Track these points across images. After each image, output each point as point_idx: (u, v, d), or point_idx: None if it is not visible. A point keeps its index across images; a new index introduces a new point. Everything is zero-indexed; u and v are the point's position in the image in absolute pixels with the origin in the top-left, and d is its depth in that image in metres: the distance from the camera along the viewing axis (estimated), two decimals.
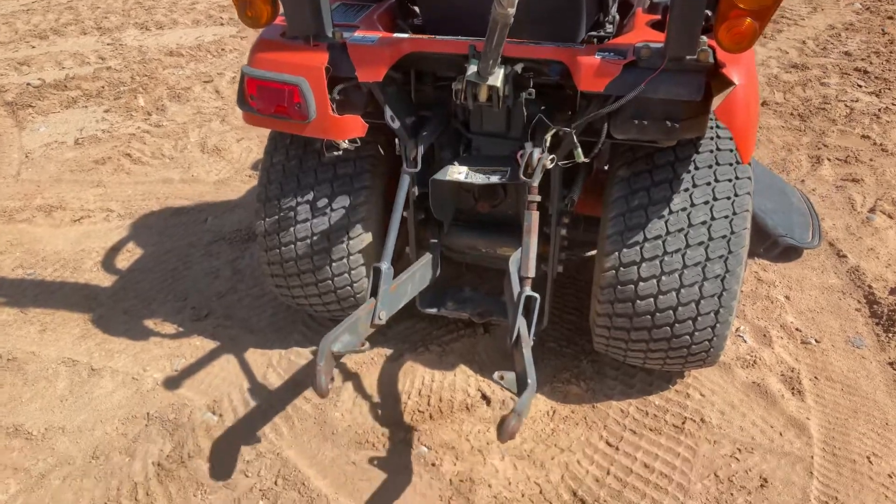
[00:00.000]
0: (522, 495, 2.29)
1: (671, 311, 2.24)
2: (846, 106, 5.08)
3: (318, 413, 2.60)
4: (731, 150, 2.22)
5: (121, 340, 3.00)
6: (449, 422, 2.54)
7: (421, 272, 2.50)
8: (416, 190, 2.49)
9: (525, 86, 2.22)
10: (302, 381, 2.75)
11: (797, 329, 2.99)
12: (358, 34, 2.24)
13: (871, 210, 3.81)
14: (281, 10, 2.15)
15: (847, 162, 4.32)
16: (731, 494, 2.28)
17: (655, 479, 2.32)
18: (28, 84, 5.83)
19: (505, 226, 2.64)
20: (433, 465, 2.38)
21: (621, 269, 2.24)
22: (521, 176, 2.15)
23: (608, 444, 2.46)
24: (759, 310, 3.10)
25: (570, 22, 2.21)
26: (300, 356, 2.87)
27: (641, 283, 2.22)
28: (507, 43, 1.96)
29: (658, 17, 2.24)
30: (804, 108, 5.09)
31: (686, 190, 2.19)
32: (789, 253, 3.41)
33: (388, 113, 2.29)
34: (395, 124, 2.31)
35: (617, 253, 2.24)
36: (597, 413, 2.58)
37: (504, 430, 1.76)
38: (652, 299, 2.23)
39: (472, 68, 2.05)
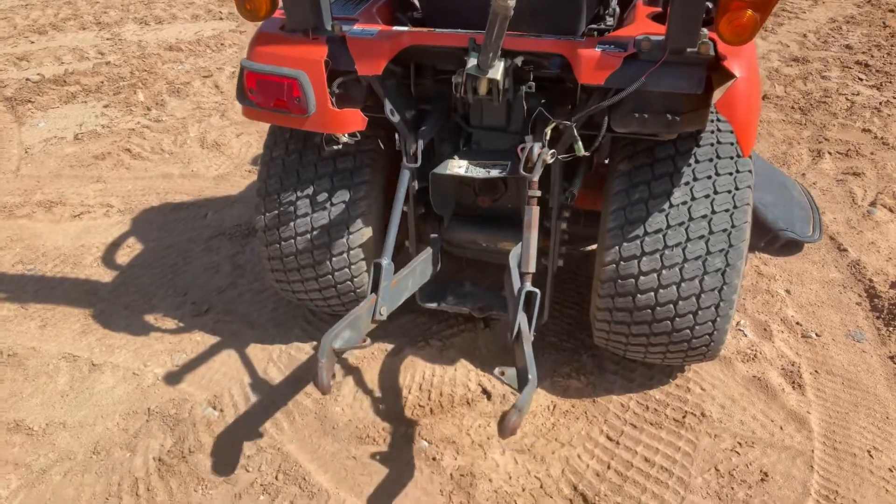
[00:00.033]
0: (523, 489, 2.29)
1: (672, 306, 2.23)
2: (847, 99, 5.06)
3: (318, 408, 2.60)
4: (732, 144, 2.21)
5: (121, 336, 3.00)
6: (449, 416, 2.54)
7: (421, 267, 2.50)
8: (416, 184, 2.48)
9: (525, 79, 2.22)
10: (302, 376, 2.75)
11: (798, 323, 2.99)
12: (357, 27, 2.23)
13: (872, 204, 3.80)
14: (280, 3, 2.15)
15: (848, 155, 4.31)
16: (732, 488, 2.28)
17: (656, 473, 2.32)
18: (27, 79, 5.82)
19: (505, 220, 2.63)
20: (434, 459, 2.39)
21: (622, 263, 2.23)
22: (522, 171, 2.14)
23: (609, 438, 2.46)
24: (759, 304, 3.09)
25: (570, 14, 2.20)
26: (301, 351, 2.87)
27: (642, 278, 2.22)
28: (507, 36, 1.95)
29: (658, 9, 2.23)
30: (805, 102, 5.08)
31: (687, 184, 2.19)
32: (790, 247, 3.40)
33: (388, 107, 2.28)
34: (395, 118, 2.30)
35: (617, 247, 2.23)
36: (597, 407, 2.58)
37: (505, 427, 1.76)
38: (652, 293, 2.23)
39: (472, 61, 2.04)
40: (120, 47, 6.60)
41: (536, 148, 2.14)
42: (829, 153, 4.34)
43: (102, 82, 5.77)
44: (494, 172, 2.33)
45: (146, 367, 2.82)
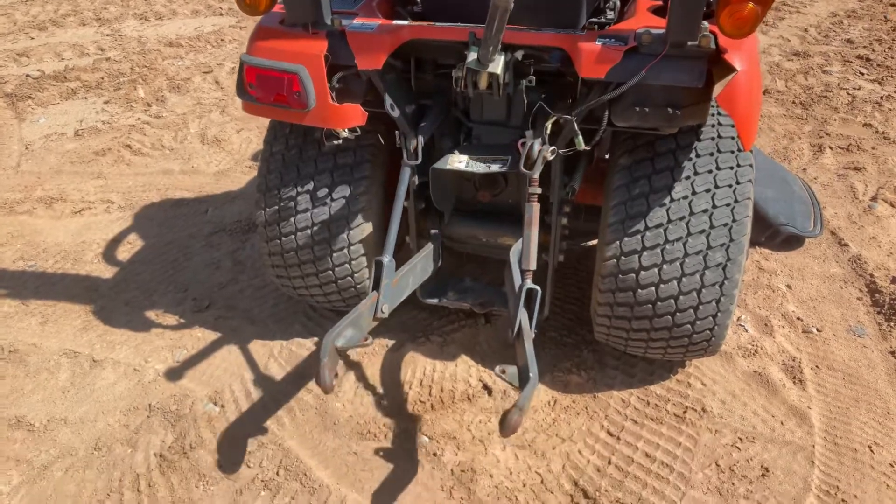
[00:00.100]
0: (524, 485, 2.29)
1: (672, 300, 2.23)
2: (848, 94, 5.05)
3: (319, 404, 2.60)
4: (733, 138, 2.20)
5: (122, 332, 3.00)
6: (450, 412, 2.54)
7: (422, 264, 2.49)
8: (416, 179, 2.48)
9: (525, 73, 2.21)
10: (303, 371, 2.75)
11: (798, 318, 2.98)
12: (357, 21, 2.23)
13: (873, 198, 3.79)
14: None
15: (849, 150, 4.30)
16: (733, 483, 2.28)
17: (657, 468, 2.32)
18: (27, 75, 5.81)
19: (505, 215, 2.63)
20: (434, 455, 2.39)
21: (622, 258, 2.23)
22: (522, 168, 2.14)
23: (609, 433, 2.46)
24: (760, 299, 3.09)
25: (570, 8, 2.19)
26: (302, 347, 2.87)
27: (642, 272, 2.21)
28: (508, 30, 1.95)
29: (659, 2, 2.22)
30: (806, 97, 5.07)
31: (687, 178, 2.18)
32: (791, 242, 3.40)
33: (388, 101, 2.27)
34: (395, 113, 2.30)
35: (618, 242, 2.23)
36: (598, 403, 2.57)
37: (506, 425, 1.76)
38: (653, 288, 2.22)
39: (472, 55, 2.04)
40: (120, 43, 6.59)
41: (537, 145, 2.13)
42: (830, 148, 4.33)
43: (103, 78, 5.77)
44: (495, 167, 2.33)
45: (147, 363, 2.82)
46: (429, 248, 2.55)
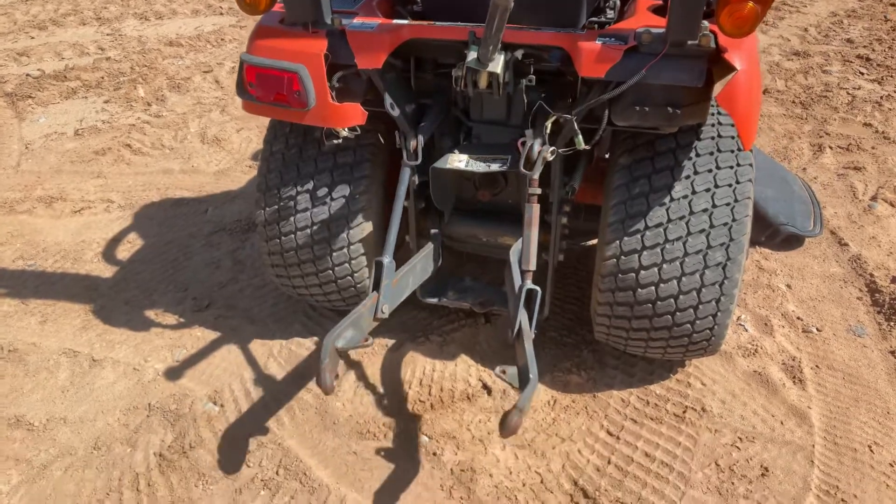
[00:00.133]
0: (523, 485, 2.29)
1: (672, 300, 2.23)
2: (848, 94, 5.05)
3: (319, 403, 2.60)
4: (733, 137, 2.20)
5: (122, 331, 3.00)
6: (450, 411, 2.54)
7: (422, 264, 2.49)
8: (416, 179, 2.48)
9: (525, 72, 2.21)
10: (303, 371, 2.75)
11: (798, 318, 2.98)
12: (357, 21, 2.23)
13: (873, 198, 3.79)
14: None
15: (849, 150, 4.30)
16: (732, 483, 2.28)
17: (656, 468, 2.32)
18: (27, 75, 5.81)
19: (505, 214, 2.63)
20: (434, 454, 2.38)
21: (622, 257, 2.23)
22: (522, 168, 2.14)
23: (609, 433, 2.46)
24: (760, 298, 3.09)
25: (570, 7, 2.19)
26: (301, 346, 2.87)
27: (642, 272, 2.21)
28: (507, 29, 1.95)
29: (659, 1, 2.22)
30: (806, 96, 5.07)
31: (687, 177, 2.18)
32: (791, 241, 3.40)
33: (388, 100, 2.27)
34: (395, 112, 2.30)
35: (618, 241, 2.23)
36: (598, 402, 2.57)
37: (506, 426, 1.76)
38: (653, 288, 2.22)
39: (472, 55, 2.03)
40: (120, 43, 6.59)
41: (536, 145, 2.13)
42: (830, 147, 4.33)
43: (103, 78, 5.76)
44: (495, 167, 2.32)
45: (147, 363, 2.82)
46: (429, 247, 2.55)
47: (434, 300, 2.73)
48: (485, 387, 2.64)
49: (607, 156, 2.69)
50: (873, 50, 5.85)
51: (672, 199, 2.17)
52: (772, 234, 3.35)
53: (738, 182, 2.17)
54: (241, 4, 2.10)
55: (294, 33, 2.19)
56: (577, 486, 2.28)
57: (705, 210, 2.16)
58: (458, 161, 2.35)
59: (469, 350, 2.79)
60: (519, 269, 2.13)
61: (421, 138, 2.32)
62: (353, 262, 2.57)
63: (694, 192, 2.17)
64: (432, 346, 2.81)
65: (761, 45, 6.01)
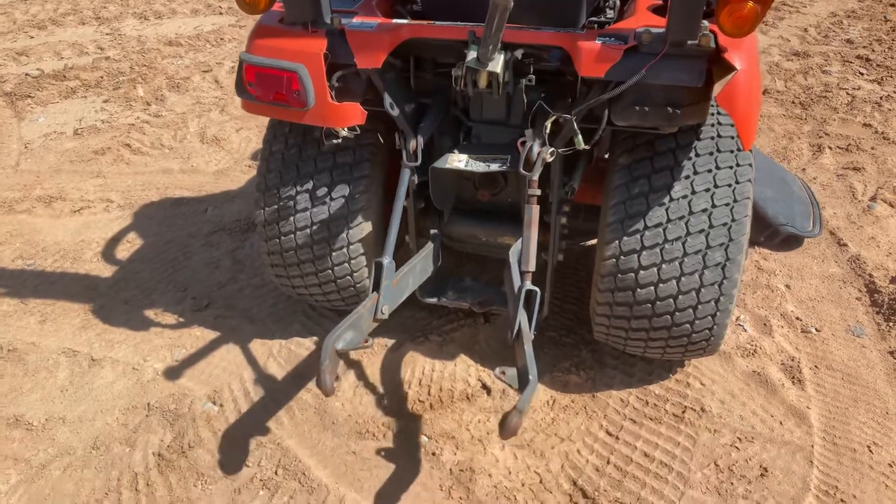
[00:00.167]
0: (523, 484, 2.29)
1: (671, 300, 2.23)
2: (848, 94, 5.05)
3: (318, 403, 2.60)
4: (733, 137, 2.20)
5: (121, 331, 2.99)
6: (449, 411, 2.54)
7: (422, 264, 2.49)
8: (415, 178, 2.48)
9: (525, 72, 2.21)
10: (302, 370, 2.75)
11: (797, 318, 2.98)
12: (356, 20, 2.23)
13: (872, 199, 3.79)
14: None
15: (848, 150, 4.30)
16: (731, 483, 2.28)
17: (655, 468, 2.32)
18: (27, 74, 5.81)
19: (505, 214, 2.62)
20: (433, 454, 2.38)
21: (622, 257, 2.23)
22: (521, 170, 2.14)
23: (608, 433, 2.46)
24: (759, 298, 3.09)
25: (570, 7, 2.19)
26: (301, 346, 2.87)
27: (642, 272, 2.21)
28: (507, 28, 1.95)
29: (659, 1, 2.22)
30: (805, 97, 5.07)
31: (687, 177, 2.18)
32: (790, 241, 3.40)
33: (388, 100, 2.27)
34: (395, 112, 2.30)
35: (617, 241, 2.22)
36: (597, 402, 2.57)
37: (506, 427, 1.76)
38: (652, 288, 2.22)
39: (472, 54, 2.03)
40: (119, 42, 6.59)
41: (536, 147, 2.13)
42: (830, 148, 4.33)
43: (102, 77, 5.76)
44: (494, 166, 2.32)
45: (146, 362, 2.81)
46: (428, 248, 2.55)
47: (433, 300, 2.73)
48: (484, 387, 2.64)
49: (607, 156, 2.69)
50: (873, 50, 5.85)
51: (671, 200, 2.17)
52: (771, 234, 3.35)
53: (737, 182, 2.17)
54: (240, 4, 2.10)
55: (293, 33, 2.19)
56: (576, 486, 2.28)
57: (705, 210, 2.16)
58: (458, 161, 2.35)
59: (468, 350, 2.79)
60: (518, 270, 2.13)
61: (420, 139, 2.32)
62: (352, 261, 2.57)
63: (693, 193, 2.17)
64: (432, 346, 2.81)
65: (761, 45, 6.01)
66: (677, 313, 2.25)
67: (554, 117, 2.14)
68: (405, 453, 2.40)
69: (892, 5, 6.95)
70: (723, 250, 2.16)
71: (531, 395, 1.83)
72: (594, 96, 2.05)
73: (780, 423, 2.49)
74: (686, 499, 2.23)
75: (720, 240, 2.16)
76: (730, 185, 2.16)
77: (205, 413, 2.57)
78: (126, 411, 2.60)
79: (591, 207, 2.64)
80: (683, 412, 2.52)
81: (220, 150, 4.61)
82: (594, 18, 2.34)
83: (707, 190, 2.16)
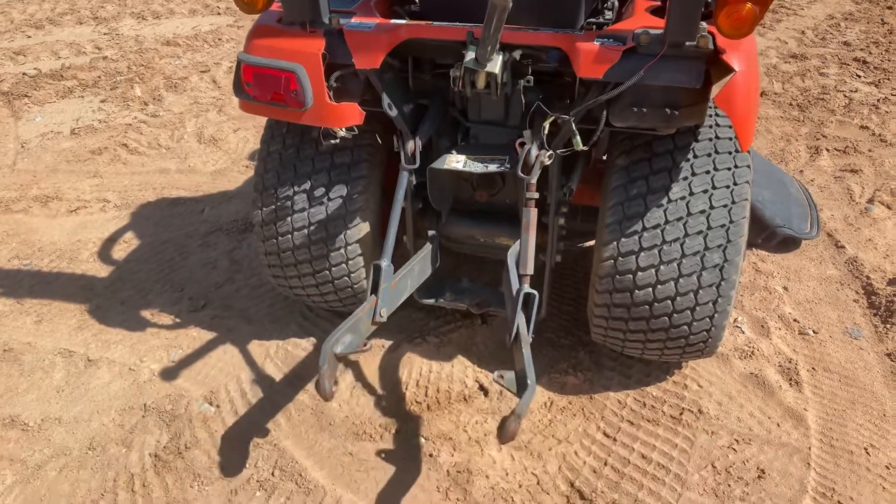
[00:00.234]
0: (520, 486, 2.29)
1: (669, 301, 2.23)
2: (845, 96, 5.06)
3: (315, 404, 2.59)
4: (731, 139, 2.20)
5: (118, 331, 2.99)
6: (447, 413, 2.54)
7: (420, 265, 2.49)
8: (413, 179, 2.47)
9: (523, 73, 2.21)
10: (300, 371, 2.75)
11: (795, 320, 2.98)
12: (355, 20, 2.22)
13: (870, 201, 3.80)
14: None
15: (846, 152, 4.30)
16: (729, 485, 2.28)
17: (653, 469, 2.32)
18: (24, 74, 5.80)
19: (503, 215, 2.62)
20: (431, 455, 2.38)
21: (619, 258, 2.22)
22: (520, 173, 2.13)
23: (606, 434, 2.45)
24: (757, 300, 3.09)
25: (568, 8, 2.18)
26: (298, 347, 2.86)
27: (640, 273, 2.21)
28: (506, 29, 1.94)
29: (657, 2, 2.22)
30: (803, 99, 5.07)
31: (685, 178, 2.18)
32: (788, 243, 3.39)
33: (386, 100, 2.26)
34: (393, 112, 2.29)
35: (615, 242, 2.22)
36: (594, 404, 2.57)
37: (504, 432, 1.76)
38: (650, 289, 2.22)
39: (470, 55, 2.03)
40: (117, 42, 6.58)
41: (534, 150, 2.13)
42: (827, 150, 4.34)
43: (99, 77, 5.75)
44: (492, 167, 2.32)
45: (142, 363, 2.81)
46: (427, 249, 2.54)
47: (431, 301, 2.72)
48: (481, 388, 2.64)
49: (605, 157, 2.68)
50: (870, 53, 5.87)
51: (670, 201, 2.17)
52: (768, 236, 3.34)
53: (735, 184, 2.17)
54: (238, 3, 2.09)
55: (292, 33, 2.19)
56: (574, 488, 2.27)
57: (703, 212, 2.16)
58: (456, 162, 2.35)
59: (466, 351, 2.79)
60: (516, 273, 2.12)
61: (419, 141, 2.31)
62: (350, 262, 2.57)
63: (691, 194, 2.16)
64: (429, 348, 2.81)
65: (758, 47, 6.02)
66: (675, 315, 2.25)
67: (552, 118, 2.14)
68: (402, 454, 2.40)
69: (890, 8, 6.97)
70: (721, 252, 2.16)
71: (530, 400, 1.82)
72: (592, 97, 2.05)
73: (778, 424, 2.49)
74: (683, 500, 2.23)
75: (718, 241, 2.16)
76: (728, 187, 2.16)
77: (201, 414, 2.57)
78: (122, 412, 2.59)
79: (589, 209, 2.63)
80: (681, 414, 2.52)
81: (218, 151, 4.60)
82: (592, 19, 2.34)
83: (705, 191, 2.16)
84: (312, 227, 2.50)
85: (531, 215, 2.13)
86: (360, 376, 2.71)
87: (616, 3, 2.51)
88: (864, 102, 4.93)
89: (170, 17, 7.34)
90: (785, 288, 3.18)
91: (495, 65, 2.05)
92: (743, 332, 2.90)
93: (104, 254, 3.53)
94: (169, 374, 2.75)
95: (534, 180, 2.13)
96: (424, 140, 2.34)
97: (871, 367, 2.74)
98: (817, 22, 6.75)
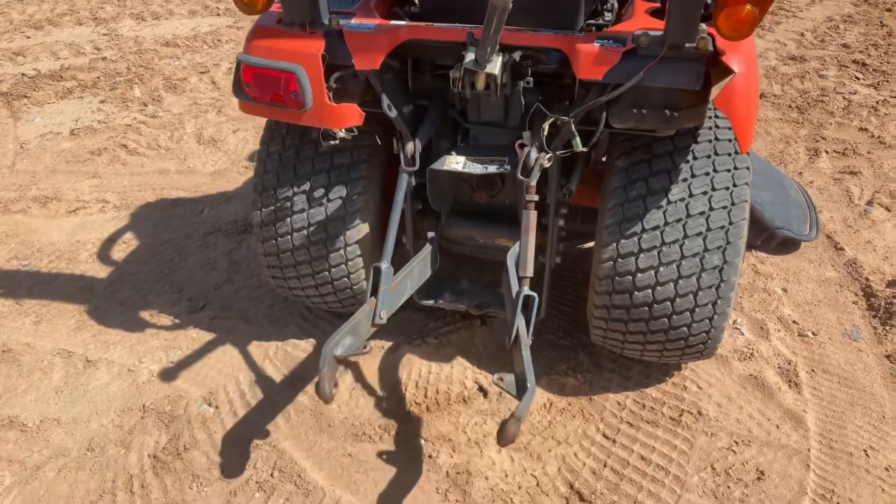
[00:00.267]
0: (519, 487, 2.29)
1: (669, 303, 2.23)
2: (844, 98, 5.07)
3: (314, 405, 2.59)
4: (730, 140, 2.20)
5: (117, 332, 2.98)
6: (446, 414, 2.53)
7: (420, 267, 2.48)
8: (413, 180, 2.47)
9: (523, 74, 2.21)
10: (299, 372, 2.74)
11: (794, 321, 2.98)
12: (354, 21, 2.22)
13: (869, 203, 3.80)
14: None
15: (845, 154, 4.31)
16: (728, 487, 2.28)
17: (652, 471, 2.32)
18: (23, 74, 5.79)
19: (503, 216, 2.62)
20: (430, 457, 2.38)
21: (619, 259, 2.22)
22: (519, 175, 2.13)
23: (605, 436, 2.45)
24: (756, 302, 3.09)
25: (568, 9, 2.19)
26: (297, 348, 2.86)
27: (639, 274, 2.21)
28: (505, 30, 1.94)
29: (657, 4, 2.22)
30: (802, 101, 5.08)
31: (684, 180, 2.18)
32: (787, 245, 3.39)
33: (385, 101, 2.26)
34: (392, 113, 2.29)
35: (615, 244, 2.22)
36: (594, 405, 2.57)
37: (504, 435, 1.76)
38: (650, 290, 2.22)
39: (470, 56, 2.03)
40: (116, 43, 6.58)
41: (534, 152, 2.13)
42: (826, 152, 4.34)
43: (99, 78, 5.75)
44: (492, 168, 2.32)
45: (141, 364, 2.80)
46: (426, 250, 2.54)
47: (430, 302, 2.72)
48: (481, 389, 2.63)
49: (604, 158, 2.69)
50: (869, 55, 5.87)
51: (669, 202, 2.17)
52: (768, 237, 3.34)
53: (735, 185, 2.17)
54: (238, 4, 2.09)
55: (291, 33, 2.19)
56: (573, 490, 2.27)
57: (702, 213, 2.16)
58: (456, 163, 2.35)
59: (465, 352, 2.79)
60: (516, 276, 2.12)
61: (419, 143, 2.31)
62: (349, 263, 2.57)
63: (691, 195, 2.17)
64: (428, 349, 2.81)
65: (758, 49, 6.03)
66: (675, 316, 2.25)
67: (552, 119, 2.14)
68: (402, 456, 2.40)
69: (889, 10, 6.98)
70: (720, 253, 2.16)
71: (529, 403, 1.82)
72: (592, 99, 2.05)
73: (777, 426, 2.49)
74: (683, 502, 2.22)
75: (718, 243, 2.16)
76: (727, 188, 2.16)
77: (200, 415, 2.56)
78: (121, 413, 2.58)
79: (588, 210, 2.63)
80: (680, 415, 2.52)
81: (217, 151, 4.60)
82: (592, 21, 2.34)
83: (705, 193, 2.16)
84: (312, 228, 2.50)
85: (531, 217, 2.13)
86: (359, 377, 2.71)
87: (615, 5, 2.51)
88: (863, 104, 4.94)
89: (169, 18, 7.34)
90: (784, 290, 3.18)
91: (495, 66, 2.05)
92: (742, 334, 2.90)
93: (103, 254, 3.53)
94: (168, 374, 2.75)
95: (533, 183, 2.13)
96: (424, 141, 2.34)
97: (870, 368, 2.74)
98: (816, 24, 6.76)
